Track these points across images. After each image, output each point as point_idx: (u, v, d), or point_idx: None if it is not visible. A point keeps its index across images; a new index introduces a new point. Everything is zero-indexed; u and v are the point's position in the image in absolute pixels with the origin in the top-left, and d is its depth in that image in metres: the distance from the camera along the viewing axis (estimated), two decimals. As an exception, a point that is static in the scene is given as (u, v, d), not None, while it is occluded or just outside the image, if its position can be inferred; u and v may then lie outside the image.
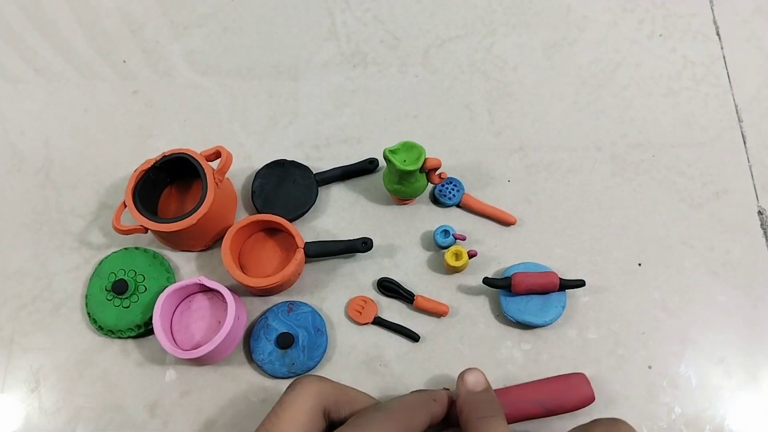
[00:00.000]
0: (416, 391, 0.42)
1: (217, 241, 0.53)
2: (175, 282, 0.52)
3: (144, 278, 0.51)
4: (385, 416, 0.38)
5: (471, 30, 0.61)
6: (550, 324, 0.49)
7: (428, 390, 0.42)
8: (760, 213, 0.53)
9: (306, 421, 0.38)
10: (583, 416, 0.45)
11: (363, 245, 0.50)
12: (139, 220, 0.49)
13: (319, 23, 0.62)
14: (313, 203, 0.54)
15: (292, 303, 0.50)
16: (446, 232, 0.51)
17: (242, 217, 0.54)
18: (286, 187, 0.54)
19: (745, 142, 0.55)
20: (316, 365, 0.49)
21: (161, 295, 0.48)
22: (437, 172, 0.50)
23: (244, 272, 0.51)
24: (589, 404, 0.45)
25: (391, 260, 0.52)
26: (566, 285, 0.49)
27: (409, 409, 0.39)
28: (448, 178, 0.53)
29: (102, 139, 0.58)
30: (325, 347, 0.49)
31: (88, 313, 0.51)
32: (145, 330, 0.50)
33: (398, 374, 0.49)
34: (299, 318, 0.49)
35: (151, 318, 0.49)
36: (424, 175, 0.50)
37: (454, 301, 0.50)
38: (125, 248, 0.53)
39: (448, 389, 0.45)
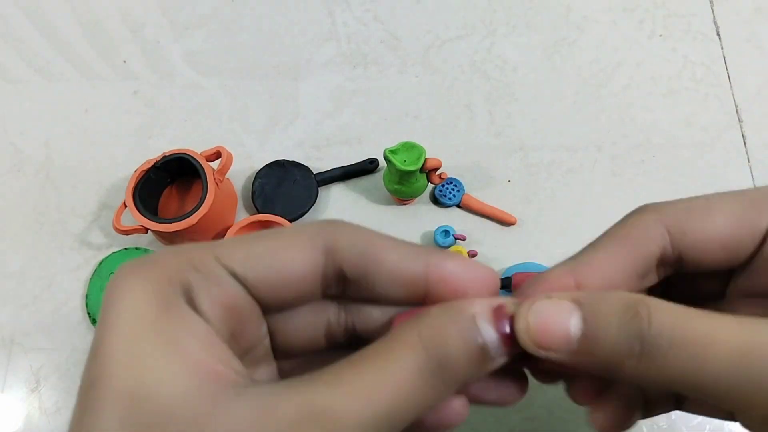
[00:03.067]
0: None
1: (217, 242, 0.53)
2: (175, 282, 0.52)
3: (144, 278, 0.51)
4: None
5: (471, 30, 0.61)
6: (550, 324, 0.49)
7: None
8: (760, 213, 0.53)
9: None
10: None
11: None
12: (139, 220, 0.49)
13: (319, 23, 0.62)
14: (314, 203, 0.54)
15: (292, 303, 0.50)
16: (446, 233, 0.51)
17: (242, 217, 0.54)
18: (287, 187, 0.54)
19: (745, 142, 0.55)
20: (317, 365, 0.49)
21: (162, 295, 0.48)
22: (437, 173, 0.50)
23: (244, 272, 0.51)
24: None
25: (391, 260, 0.52)
26: (566, 285, 0.49)
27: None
28: (448, 178, 0.53)
29: (102, 139, 0.58)
30: (325, 347, 0.49)
31: (89, 314, 0.51)
32: (145, 330, 0.50)
33: (398, 374, 0.49)
34: (299, 318, 0.49)
35: (151, 318, 0.49)
36: (425, 175, 0.50)
37: (454, 301, 0.50)
38: (126, 248, 0.53)
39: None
